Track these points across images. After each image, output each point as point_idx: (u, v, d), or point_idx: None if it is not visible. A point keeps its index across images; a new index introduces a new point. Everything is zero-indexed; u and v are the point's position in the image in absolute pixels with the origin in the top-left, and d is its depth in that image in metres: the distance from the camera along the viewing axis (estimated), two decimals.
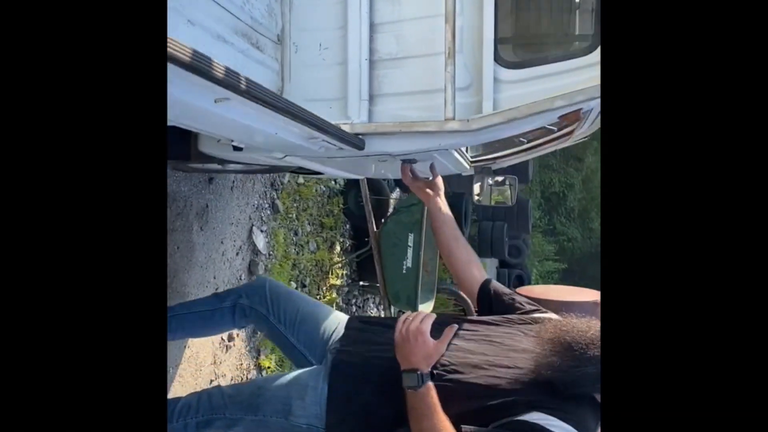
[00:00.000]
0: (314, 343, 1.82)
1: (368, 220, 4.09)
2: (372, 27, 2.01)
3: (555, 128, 2.55)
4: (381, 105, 2.00)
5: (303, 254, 4.06)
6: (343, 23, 2.01)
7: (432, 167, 2.04)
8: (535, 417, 1.31)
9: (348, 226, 4.83)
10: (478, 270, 1.84)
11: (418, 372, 1.41)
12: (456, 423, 1.35)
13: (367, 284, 4.77)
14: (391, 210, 4.64)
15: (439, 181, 2.01)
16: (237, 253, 3.25)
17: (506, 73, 1.85)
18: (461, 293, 5.56)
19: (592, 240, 16.42)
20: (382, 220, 4.15)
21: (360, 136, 1.84)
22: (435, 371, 1.44)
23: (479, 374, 1.44)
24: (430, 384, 1.40)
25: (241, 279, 3.27)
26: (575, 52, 1.84)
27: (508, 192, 2.98)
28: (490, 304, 1.75)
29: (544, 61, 1.84)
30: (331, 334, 1.80)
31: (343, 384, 1.58)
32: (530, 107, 1.72)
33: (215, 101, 1.22)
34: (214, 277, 3.01)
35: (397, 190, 5.13)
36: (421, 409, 1.37)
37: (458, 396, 1.41)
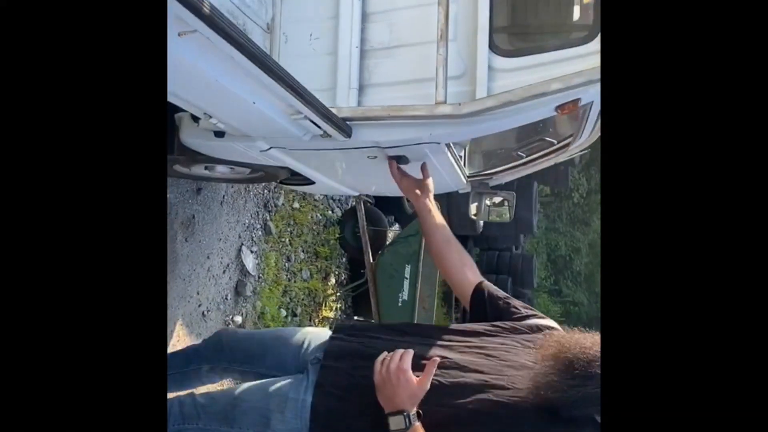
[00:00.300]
0: (284, 361, 1.72)
1: (365, 250, 3.99)
2: (364, 16, 1.96)
3: (554, 141, 2.48)
4: (371, 95, 1.93)
5: (295, 281, 3.93)
6: (335, 13, 1.97)
7: (424, 166, 1.94)
8: None
9: (344, 258, 4.71)
10: (471, 272, 1.72)
11: (404, 413, 1.32)
12: None
13: (362, 320, 4.62)
14: (388, 242, 4.53)
15: (430, 182, 1.91)
16: (224, 271, 3.13)
17: (501, 62, 1.79)
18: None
19: (599, 305, 16.11)
20: (379, 252, 4.04)
21: (347, 122, 1.76)
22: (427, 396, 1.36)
23: (473, 398, 1.35)
24: (418, 425, 1.32)
25: (227, 299, 3.13)
26: (573, 41, 1.78)
27: (507, 214, 2.87)
28: (485, 308, 1.63)
29: (541, 50, 1.78)
30: (302, 346, 1.70)
31: (327, 406, 1.47)
32: (525, 90, 1.65)
33: (179, 35, 1.14)
34: (198, 293, 2.88)
35: (397, 225, 5.04)
36: None
37: (452, 422, 1.34)
